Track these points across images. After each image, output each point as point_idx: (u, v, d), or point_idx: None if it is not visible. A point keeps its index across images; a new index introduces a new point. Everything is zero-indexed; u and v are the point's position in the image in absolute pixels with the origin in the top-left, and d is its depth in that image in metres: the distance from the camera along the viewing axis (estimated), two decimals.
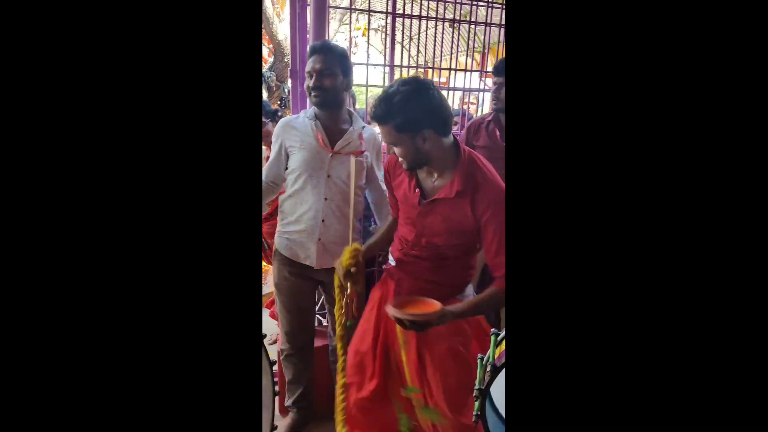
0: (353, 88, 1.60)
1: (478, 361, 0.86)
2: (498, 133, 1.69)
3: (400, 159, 1.09)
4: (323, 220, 1.41)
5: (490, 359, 0.84)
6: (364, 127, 1.46)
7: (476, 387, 0.83)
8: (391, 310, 1.01)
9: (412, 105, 1.01)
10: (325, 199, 1.41)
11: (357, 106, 1.99)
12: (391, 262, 1.30)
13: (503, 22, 1.90)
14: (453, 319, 1.05)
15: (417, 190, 1.14)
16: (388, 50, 1.85)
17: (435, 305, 1.03)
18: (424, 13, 1.92)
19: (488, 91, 1.89)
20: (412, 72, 2.13)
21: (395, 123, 1.02)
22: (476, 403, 0.82)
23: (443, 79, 2.80)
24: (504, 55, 1.86)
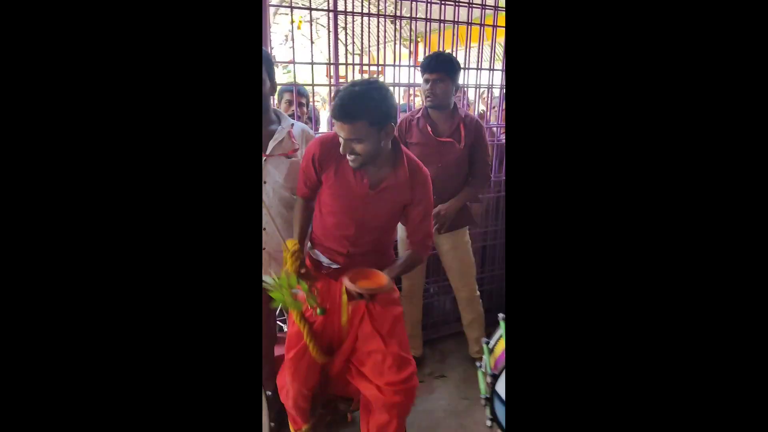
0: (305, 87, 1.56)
1: (478, 371, 0.94)
2: (429, 128, 1.74)
3: (353, 157, 1.13)
4: (264, 228, 1.38)
5: (488, 369, 0.91)
6: (292, 124, 1.43)
7: (483, 396, 0.92)
8: (350, 285, 1.12)
9: (382, 101, 1.10)
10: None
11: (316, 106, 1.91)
12: (325, 262, 1.30)
13: (443, 18, 1.95)
14: (392, 284, 1.20)
15: (365, 179, 1.20)
16: (331, 48, 1.84)
17: (383, 277, 1.17)
18: (365, 10, 1.92)
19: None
20: (355, 68, 2.12)
21: (370, 119, 1.08)
22: (487, 409, 0.91)
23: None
24: (437, 49, 1.92)
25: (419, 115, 1.78)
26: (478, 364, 0.96)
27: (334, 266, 1.29)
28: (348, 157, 1.15)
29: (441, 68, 1.65)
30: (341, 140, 1.13)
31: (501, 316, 0.96)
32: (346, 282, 1.13)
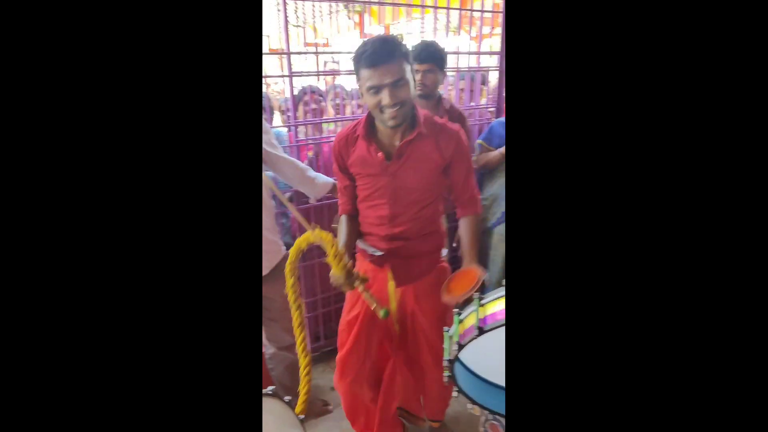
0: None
1: (445, 334, 0.96)
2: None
3: (399, 107, 1.03)
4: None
5: (455, 338, 0.93)
6: None
7: (445, 358, 0.93)
8: (450, 299, 1.07)
9: (402, 44, 1.06)
10: None
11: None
12: (369, 250, 1.23)
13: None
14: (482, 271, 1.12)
15: (379, 152, 1.12)
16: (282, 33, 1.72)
17: (473, 273, 1.09)
18: None
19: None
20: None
21: (406, 57, 1.04)
22: (446, 370, 0.94)
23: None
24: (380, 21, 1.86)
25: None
26: (446, 329, 0.98)
27: (378, 253, 1.21)
28: (390, 113, 1.04)
29: (431, 59, 1.63)
30: (384, 91, 1.01)
31: (477, 294, 0.93)
32: (448, 298, 1.07)
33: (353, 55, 1.04)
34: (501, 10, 2.08)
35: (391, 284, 1.22)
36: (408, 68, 1.04)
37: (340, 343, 1.32)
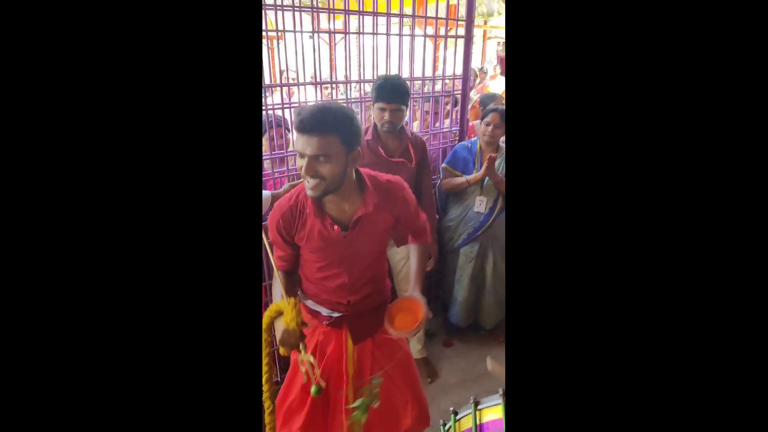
0: None
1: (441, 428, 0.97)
2: (381, 150, 1.72)
3: (316, 182, 0.99)
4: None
5: None
6: None
7: None
8: (398, 334, 1.10)
9: (353, 121, 1.00)
10: None
11: None
12: (324, 312, 1.23)
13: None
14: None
15: (335, 226, 1.08)
16: None
17: (417, 309, 1.13)
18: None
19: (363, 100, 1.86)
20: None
21: (342, 135, 0.97)
22: None
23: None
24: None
25: (368, 137, 1.74)
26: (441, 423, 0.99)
27: (336, 315, 1.20)
28: (308, 183, 1.00)
29: (398, 99, 1.63)
30: (303, 162, 0.98)
31: (472, 397, 0.95)
32: (393, 332, 1.09)
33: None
34: (456, 18, 2.10)
35: (350, 343, 1.22)
36: (339, 145, 0.98)
37: (283, 420, 1.27)
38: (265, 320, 1.08)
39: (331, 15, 1.72)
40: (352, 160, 1.03)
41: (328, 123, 0.96)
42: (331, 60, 1.96)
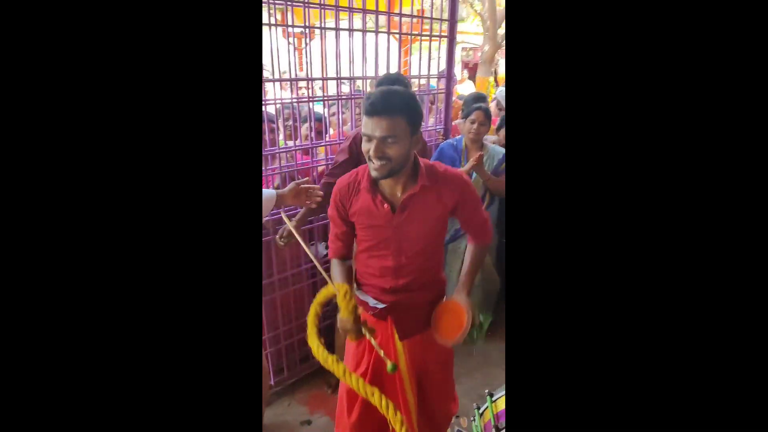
0: None
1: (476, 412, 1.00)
2: None
3: (382, 163, 1.02)
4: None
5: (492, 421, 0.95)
6: None
7: None
8: (442, 341, 1.10)
9: (417, 105, 1.04)
10: None
11: None
12: (370, 302, 1.21)
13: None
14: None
15: (385, 204, 1.11)
16: None
17: (461, 316, 1.10)
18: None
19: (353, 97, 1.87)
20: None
21: (409, 117, 1.01)
22: None
23: None
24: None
25: None
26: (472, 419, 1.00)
27: (380, 306, 1.18)
28: (374, 165, 1.03)
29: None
30: (371, 145, 1.01)
31: (486, 391, 0.96)
32: (437, 338, 1.09)
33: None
34: (428, 16, 2.14)
35: (396, 338, 1.19)
36: (406, 127, 1.01)
37: (343, 407, 1.28)
38: (316, 300, 1.05)
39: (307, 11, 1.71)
40: (415, 142, 1.06)
41: (396, 105, 0.99)
42: (300, 57, 1.95)
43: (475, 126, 2.07)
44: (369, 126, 1.01)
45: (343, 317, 1.03)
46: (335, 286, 1.03)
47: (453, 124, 2.63)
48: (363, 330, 1.05)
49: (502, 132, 2.32)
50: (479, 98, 2.23)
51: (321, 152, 2.05)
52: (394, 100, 1.00)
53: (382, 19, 1.95)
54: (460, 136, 2.21)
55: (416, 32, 2.10)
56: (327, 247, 2.08)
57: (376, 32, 1.91)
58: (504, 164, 2.19)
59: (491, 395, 1.00)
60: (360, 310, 1.05)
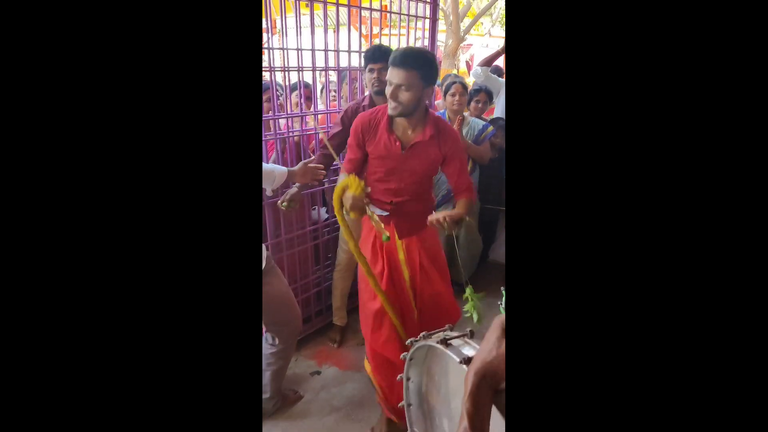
0: None
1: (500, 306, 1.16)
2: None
3: (396, 105, 1.34)
4: None
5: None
6: None
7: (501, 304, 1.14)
8: (437, 216, 1.36)
9: (434, 63, 1.36)
10: None
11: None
12: (376, 212, 1.54)
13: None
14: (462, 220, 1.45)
15: (397, 142, 1.44)
16: None
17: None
18: None
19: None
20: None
21: (422, 72, 1.31)
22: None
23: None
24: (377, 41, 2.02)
25: (365, 102, 1.89)
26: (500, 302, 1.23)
27: (385, 214, 1.54)
28: (390, 104, 1.36)
29: (383, 58, 1.77)
30: (390, 88, 1.33)
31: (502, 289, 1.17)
32: (432, 216, 1.37)
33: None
34: (389, 10, 2.30)
35: (397, 237, 1.56)
36: (419, 80, 1.31)
37: (364, 301, 1.60)
38: (336, 194, 1.45)
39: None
40: (427, 94, 1.37)
41: (411, 61, 1.29)
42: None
43: (456, 98, 2.28)
44: (390, 74, 1.33)
45: (356, 194, 1.40)
46: (349, 176, 1.42)
47: (434, 104, 2.83)
48: (366, 209, 1.42)
49: (473, 104, 2.56)
50: (455, 77, 2.45)
51: (311, 121, 2.18)
52: (412, 56, 1.30)
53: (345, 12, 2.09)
54: (442, 111, 2.42)
55: (402, 13, 2.26)
56: (328, 211, 2.23)
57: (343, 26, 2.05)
58: (484, 134, 2.41)
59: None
60: (368, 189, 1.44)
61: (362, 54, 1.89)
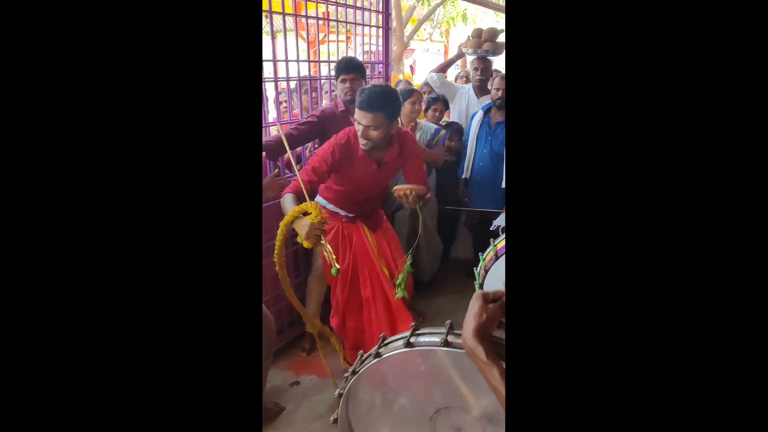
0: None
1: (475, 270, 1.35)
2: (351, 119, 1.97)
3: (366, 141, 1.52)
4: None
5: (482, 265, 1.27)
6: None
7: (476, 282, 1.31)
8: (400, 189, 1.54)
9: (396, 101, 1.54)
10: None
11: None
12: (343, 213, 1.79)
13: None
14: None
15: (373, 164, 1.64)
16: None
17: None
18: None
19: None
20: None
21: (387, 112, 1.48)
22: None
23: None
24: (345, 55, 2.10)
25: (341, 108, 2.03)
26: (481, 255, 1.44)
27: (351, 215, 1.80)
28: (361, 141, 1.53)
29: (354, 70, 1.94)
30: (360, 127, 1.49)
31: (492, 241, 1.30)
32: (399, 187, 1.55)
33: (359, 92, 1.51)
34: (334, 18, 2.36)
35: (367, 232, 1.79)
36: (384, 119, 1.49)
37: (338, 299, 1.85)
38: (287, 219, 1.39)
39: None
40: (393, 126, 1.58)
41: (377, 104, 1.44)
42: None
43: (416, 106, 2.37)
44: (358, 115, 1.48)
45: (315, 222, 1.33)
46: (309, 202, 1.37)
47: None
48: (321, 237, 1.37)
49: (430, 112, 2.67)
50: (411, 89, 2.55)
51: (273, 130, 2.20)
52: (377, 100, 1.44)
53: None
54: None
55: (358, 23, 2.31)
56: None
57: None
58: (436, 138, 2.52)
59: (494, 238, 1.30)
60: (326, 221, 1.42)
61: (335, 65, 2.01)
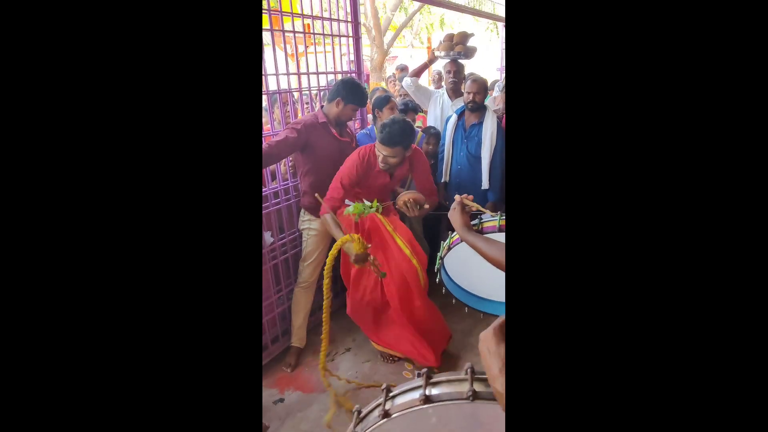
0: None
1: (437, 255, 1.35)
2: (333, 131, 2.08)
3: (386, 165, 1.89)
4: None
5: (442, 253, 1.28)
6: None
7: (438, 255, 1.32)
8: (403, 198, 1.84)
9: (412, 133, 1.89)
10: None
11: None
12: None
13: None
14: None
15: (388, 178, 2.03)
16: None
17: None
18: None
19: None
20: None
21: (404, 145, 1.85)
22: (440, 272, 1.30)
23: None
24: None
25: (323, 119, 2.07)
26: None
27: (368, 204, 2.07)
28: (381, 164, 1.89)
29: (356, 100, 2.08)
30: (381, 155, 1.85)
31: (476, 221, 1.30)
32: (401, 197, 1.83)
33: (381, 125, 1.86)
34: (312, 31, 2.38)
35: (381, 217, 2.03)
36: (402, 150, 1.86)
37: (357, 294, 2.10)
38: (335, 250, 1.69)
39: None
40: (408, 152, 1.91)
41: (397, 140, 1.80)
42: None
43: (394, 112, 2.38)
44: (379, 148, 1.84)
45: (359, 252, 1.71)
46: (350, 236, 1.70)
47: (368, 120, 2.90)
48: (368, 258, 1.75)
49: (411, 115, 2.68)
50: (387, 96, 2.55)
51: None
52: (397, 137, 1.79)
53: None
54: (371, 126, 2.51)
55: (327, 34, 2.31)
56: (272, 236, 2.21)
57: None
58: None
59: (451, 230, 1.29)
60: (369, 245, 1.77)
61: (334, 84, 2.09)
